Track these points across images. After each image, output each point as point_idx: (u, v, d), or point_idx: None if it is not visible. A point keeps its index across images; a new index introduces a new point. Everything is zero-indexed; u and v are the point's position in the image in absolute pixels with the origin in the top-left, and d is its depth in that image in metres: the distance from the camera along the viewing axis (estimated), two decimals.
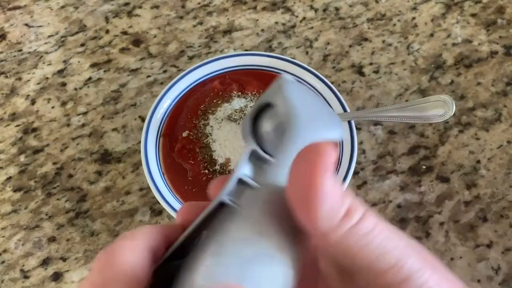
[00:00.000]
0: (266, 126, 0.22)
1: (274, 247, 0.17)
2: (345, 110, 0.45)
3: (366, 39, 0.54)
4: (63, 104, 0.51)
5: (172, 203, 0.40)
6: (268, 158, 0.21)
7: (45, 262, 0.42)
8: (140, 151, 0.44)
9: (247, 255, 0.17)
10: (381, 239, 0.16)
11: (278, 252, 0.17)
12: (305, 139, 0.19)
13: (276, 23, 0.56)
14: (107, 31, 0.56)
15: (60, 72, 0.53)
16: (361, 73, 0.52)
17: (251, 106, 0.45)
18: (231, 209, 0.20)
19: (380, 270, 0.16)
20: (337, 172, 0.42)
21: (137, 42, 0.55)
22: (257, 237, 0.17)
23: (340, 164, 0.42)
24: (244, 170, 0.21)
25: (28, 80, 0.52)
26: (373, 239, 0.16)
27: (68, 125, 0.49)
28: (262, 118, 0.23)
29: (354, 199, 0.16)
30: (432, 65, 0.52)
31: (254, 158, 0.21)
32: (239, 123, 0.44)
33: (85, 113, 0.50)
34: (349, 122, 0.44)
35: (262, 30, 0.55)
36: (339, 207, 0.16)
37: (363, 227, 0.16)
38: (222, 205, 0.20)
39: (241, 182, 0.20)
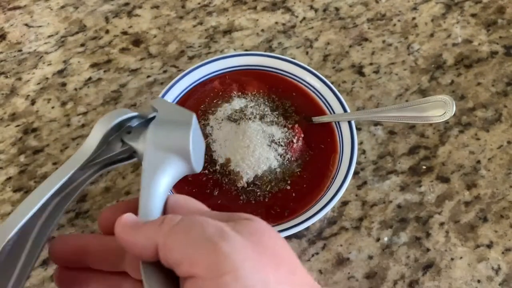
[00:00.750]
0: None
1: None
2: (345, 110, 0.45)
3: (366, 39, 0.54)
4: (63, 104, 0.51)
5: None
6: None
7: (45, 262, 0.42)
8: None
9: None
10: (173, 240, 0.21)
11: None
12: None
13: (276, 23, 0.56)
14: (107, 31, 0.56)
15: (60, 72, 0.53)
16: (361, 73, 0.52)
17: (251, 107, 0.45)
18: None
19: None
20: (337, 172, 0.42)
21: (137, 42, 0.55)
22: None
23: (340, 164, 0.42)
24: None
25: (28, 80, 0.52)
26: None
27: (68, 125, 0.49)
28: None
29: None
30: (432, 65, 0.52)
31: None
32: (239, 123, 0.44)
33: (85, 113, 0.50)
34: (349, 122, 0.44)
35: (262, 30, 0.55)
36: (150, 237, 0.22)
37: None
38: None
39: None
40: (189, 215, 0.22)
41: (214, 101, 0.46)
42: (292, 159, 0.43)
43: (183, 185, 0.42)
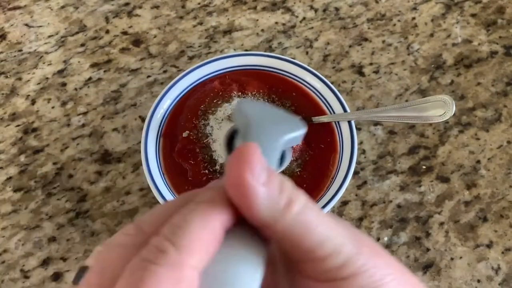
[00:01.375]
0: (238, 144, 0.25)
1: (247, 252, 0.18)
2: (345, 110, 0.45)
3: (366, 39, 0.54)
4: (63, 104, 0.51)
5: None
6: None
7: (45, 262, 0.42)
8: (140, 151, 0.44)
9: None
10: (322, 228, 0.17)
11: (250, 254, 0.18)
12: (262, 144, 0.20)
13: (276, 23, 0.56)
14: (107, 31, 0.56)
15: (60, 72, 0.53)
16: (361, 73, 0.52)
17: None
18: None
19: (320, 257, 0.17)
20: (337, 172, 0.42)
21: (137, 42, 0.55)
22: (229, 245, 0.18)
23: (340, 164, 0.42)
24: None
25: (28, 80, 0.52)
26: (314, 228, 0.17)
27: (68, 125, 0.49)
28: (235, 142, 0.26)
29: (294, 190, 0.17)
30: (432, 65, 0.52)
31: None
32: None
33: (85, 113, 0.50)
34: (349, 122, 0.44)
35: (262, 30, 0.55)
36: (277, 199, 0.17)
37: (304, 216, 0.17)
38: None
39: None
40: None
41: (214, 101, 0.46)
42: (292, 159, 0.43)
43: (183, 185, 0.42)
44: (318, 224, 0.17)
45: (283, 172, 0.42)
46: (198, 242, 0.16)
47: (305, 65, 0.47)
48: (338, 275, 0.17)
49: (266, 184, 0.16)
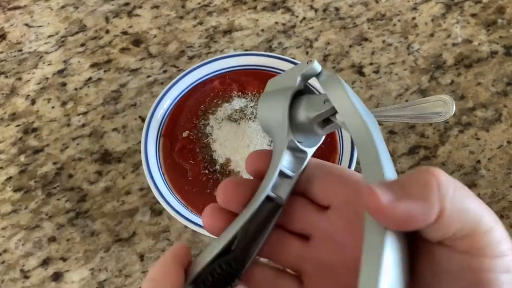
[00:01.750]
0: (301, 116, 0.23)
1: None
2: None
3: (366, 39, 0.54)
4: (63, 104, 0.51)
5: (172, 203, 0.40)
6: (303, 148, 0.23)
7: (45, 262, 0.42)
8: (140, 151, 0.44)
9: None
10: (477, 204, 0.18)
11: None
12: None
13: (276, 23, 0.56)
14: (107, 31, 0.56)
15: (60, 72, 0.53)
16: (361, 73, 0.52)
17: (251, 106, 0.45)
18: (274, 201, 0.22)
19: (479, 232, 0.18)
20: None
21: (137, 42, 0.55)
22: None
23: (340, 164, 0.42)
24: (283, 161, 0.22)
25: (28, 80, 0.52)
26: (473, 202, 0.18)
27: (68, 125, 0.49)
28: (296, 108, 0.23)
29: (440, 173, 0.18)
30: (432, 65, 0.52)
31: (289, 148, 0.23)
32: (239, 123, 0.44)
33: (85, 113, 0.50)
34: None
35: (262, 30, 0.55)
36: (431, 204, 0.18)
37: (458, 199, 0.18)
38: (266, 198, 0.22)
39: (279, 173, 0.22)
40: None
41: (214, 101, 0.46)
42: None
43: (183, 185, 0.42)
44: (471, 202, 0.18)
45: None
46: None
47: None
48: (491, 252, 0.18)
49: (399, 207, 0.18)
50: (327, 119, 0.23)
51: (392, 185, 0.19)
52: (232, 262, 0.21)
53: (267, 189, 0.22)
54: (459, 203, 0.18)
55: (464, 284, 0.18)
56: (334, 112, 0.22)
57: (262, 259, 0.24)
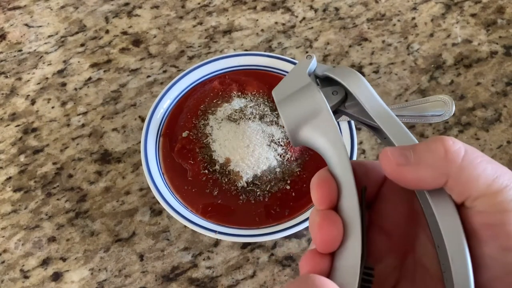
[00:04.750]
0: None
1: None
2: None
3: (366, 39, 0.54)
4: (63, 104, 0.51)
5: (172, 203, 0.40)
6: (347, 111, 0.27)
7: (45, 262, 0.42)
8: (140, 151, 0.44)
9: None
10: (491, 167, 0.20)
11: None
12: None
13: (276, 23, 0.56)
14: (107, 31, 0.56)
15: (60, 72, 0.53)
16: (361, 73, 0.52)
17: (251, 106, 0.45)
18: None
19: (493, 191, 0.19)
20: None
21: (137, 42, 0.55)
22: None
23: None
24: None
25: (28, 80, 0.52)
26: (486, 167, 0.20)
27: (68, 125, 0.49)
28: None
29: (449, 141, 0.20)
30: (432, 65, 0.52)
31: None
32: (239, 123, 0.44)
33: (85, 113, 0.50)
34: (349, 122, 0.44)
35: (262, 30, 0.55)
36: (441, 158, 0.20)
37: (469, 165, 0.20)
38: None
39: None
40: None
41: (214, 101, 0.46)
42: (292, 158, 0.43)
43: (183, 185, 0.42)
44: (485, 163, 0.20)
45: (283, 172, 0.42)
46: None
47: None
48: (506, 207, 0.19)
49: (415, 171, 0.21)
50: (335, 111, 0.26)
51: (406, 150, 0.21)
52: (366, 264, 0.21)
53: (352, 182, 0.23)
54: (469, 169, 0.20)
55: (486, 238, 0.20)
56: (343, 102, 0.26)
57: None
